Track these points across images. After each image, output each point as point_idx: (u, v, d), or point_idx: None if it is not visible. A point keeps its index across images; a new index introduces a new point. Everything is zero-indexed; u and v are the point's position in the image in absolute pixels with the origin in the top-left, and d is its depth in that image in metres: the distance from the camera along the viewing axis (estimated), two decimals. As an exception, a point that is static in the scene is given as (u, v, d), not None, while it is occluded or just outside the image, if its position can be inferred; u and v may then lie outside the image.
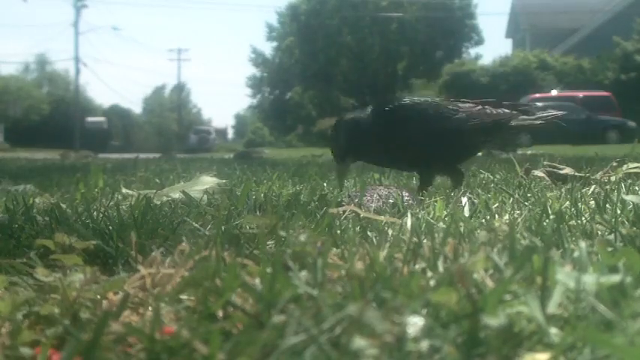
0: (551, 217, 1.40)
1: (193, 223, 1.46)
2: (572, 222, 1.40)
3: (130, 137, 44.01)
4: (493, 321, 0.67)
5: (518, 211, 1.59)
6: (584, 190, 2.04)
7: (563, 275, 0.76)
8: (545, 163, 2.78)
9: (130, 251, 1.21)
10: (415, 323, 0.66)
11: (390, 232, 1.33)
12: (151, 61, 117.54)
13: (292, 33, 40.92)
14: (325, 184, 2.70)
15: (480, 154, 3.39)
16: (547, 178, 2.54)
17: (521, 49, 34.02)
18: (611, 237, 1.18)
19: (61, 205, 1.81)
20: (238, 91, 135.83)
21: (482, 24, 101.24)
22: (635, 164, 2.55)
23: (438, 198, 1.81)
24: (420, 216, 1.52)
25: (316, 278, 0.82)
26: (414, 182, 2.77)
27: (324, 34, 38.84)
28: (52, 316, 0.87)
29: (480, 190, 2.26)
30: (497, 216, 1.56)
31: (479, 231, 1.24)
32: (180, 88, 57.44)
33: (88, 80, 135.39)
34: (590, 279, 0.75)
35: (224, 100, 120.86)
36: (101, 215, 1.59)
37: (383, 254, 0.98)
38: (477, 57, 40.04)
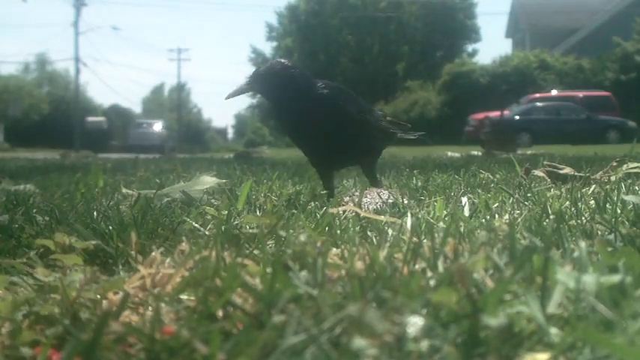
0: (551, 217, 1.40)
1: (193, 223, 1.46)
2: (572, 222, 1.40)
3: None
4: (493, 321, 0.67)
5: (518, 211, 1.59)
6: (584, 190, 2.04)
7: (563, 275, 0.76)
8: (545, 163, 2.77)
9: (130, 251, 1.21)
10: (415, 323, 0.66)
11: (390, 232, 1.33)
12: (151, 61, 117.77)
13: (292, 33, 40.92)
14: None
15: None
16: (547, 178, 2.53)
17: (521, 49, 34.03)
18: (611, 237, 1.18)
19: (61, 205, 1.82)
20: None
21: (482, 24, 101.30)
22: (635, 164, 2.54)
23: (438, 198, 1.81)
24: (420, 216, 1.52)
25: (316, 278, 0.81)
26: (414, 183, 2.77)
27: (324, 34, 38.85)
28: (52, 316, 0.86)
29: (479, 190, 2.26)
30: (497, 216, 1.56)
31: (479, 231, 1.24)
32: (180, 88, 57.48)
33: (88, 80, 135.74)
34: (590, 279, 0.75)
35: (224, 100, 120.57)
36: (101, 215, 1.59)
37: (383, 254, 0.97)
38: (474, 52, 40.14)
